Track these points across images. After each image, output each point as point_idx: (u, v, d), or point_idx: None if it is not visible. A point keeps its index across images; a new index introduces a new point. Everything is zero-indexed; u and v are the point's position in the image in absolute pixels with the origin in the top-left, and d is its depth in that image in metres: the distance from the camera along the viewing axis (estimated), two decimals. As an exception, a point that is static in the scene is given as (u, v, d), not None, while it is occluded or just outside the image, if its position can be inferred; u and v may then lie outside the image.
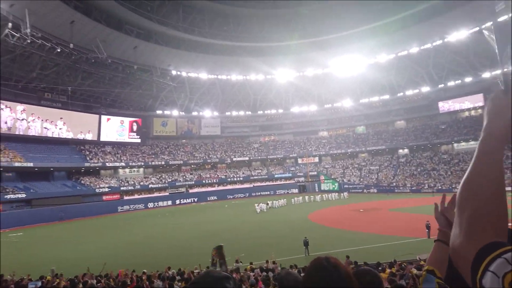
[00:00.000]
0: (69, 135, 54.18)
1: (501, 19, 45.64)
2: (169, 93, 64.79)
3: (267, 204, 41.97)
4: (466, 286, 0.84)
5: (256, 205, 42.19)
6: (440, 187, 50.11)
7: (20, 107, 47.44)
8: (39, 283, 10.40)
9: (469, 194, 0.91)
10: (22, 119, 47.77)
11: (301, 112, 76.56)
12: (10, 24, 35.77)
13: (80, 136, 55.86)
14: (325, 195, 51.82)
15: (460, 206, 0.92)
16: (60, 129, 52.58)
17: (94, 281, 11.42)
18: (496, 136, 0.94)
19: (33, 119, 49.13)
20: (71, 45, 42.58)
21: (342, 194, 52.85)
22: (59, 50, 41.73)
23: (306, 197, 49.94)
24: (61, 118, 52.24)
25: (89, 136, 56.98)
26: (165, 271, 14.15)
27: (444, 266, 1.70)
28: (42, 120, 50.24)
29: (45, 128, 50.83)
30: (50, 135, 51.81)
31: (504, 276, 0.71)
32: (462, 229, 0.89)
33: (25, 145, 48.77)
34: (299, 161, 71.32)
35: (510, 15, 44.26)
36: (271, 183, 66.52)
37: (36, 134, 49.96)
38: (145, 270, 13.99)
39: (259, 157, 72.43)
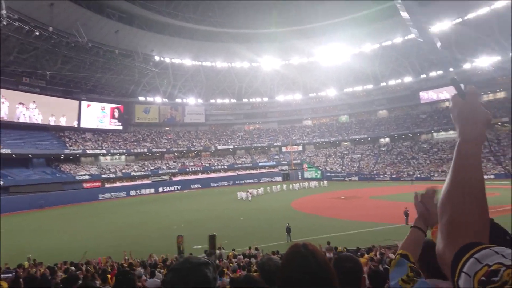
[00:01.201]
0: (49, 121, 52.62)
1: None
2: (151, 79, 63.64)
3: (248, 192, 41.95)
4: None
5: (238, 193, 42.59)
6: (418, 175, 51.43)
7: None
8: (13, 273, 10.22)
9: (448, 200, 0.91)
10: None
11: (286, 101, 76.66)
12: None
13: (59, 121, 54.37)
14: (304, 183, 52.35)
15: (440, 212, 0.93)
16: (33, 112, 50.59)
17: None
18: (471, 140, 0.96)
19: (17, 107, 47.50)
20: (51, 29, 41.10)
21: (321, 182, 53.47)
22: (37, 34, 40.23)
23: (284, 186, 50.34)
24: (33, 101, 50.23)
25: (63, 121, 55.07)
26: (148, 258, 14.13)
27: (417, 251, 1.78)
28: (21, 105, 48.62)
29: (21, 113, 49.19)
30: (27, 121, 50.22)
31: (475, 275, 0.72)
32: (443, 234, 0.90)
33: (3, 131, 47.17)
34: (283, 149, 71.73)
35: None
36: (255, 171, 66.77)
37: (14, 120, 48.38)
38: (126, 257, 13.95)
39: (243, 145, 72.43)
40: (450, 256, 0.82)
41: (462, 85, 1.07)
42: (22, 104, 49.04)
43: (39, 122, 51.79)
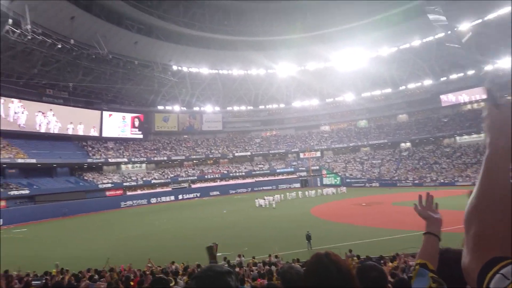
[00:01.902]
0: (71, 130, 54.00)
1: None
2: (170, 88, 64.71)
3: (264, 198, 41.77)
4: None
5: (256, 200, 42.45)
6: (442, 181, 50.09)
7: (20, 103, 47.42)
8: (43, 280, 10.49)
9: (475, 213, 0.90)
10: (20, 112, 47.76)
11: (302, 107, 76.38)
12: (10, 21, 35.69)
13: (82, 131, 55.83)
14: (319, 190, 51.57)
15: (466, 225, 0.91)
16: (53, 121, 52.02)
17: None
18: (502, 152, 0.92)
19: (36, 115, 49.18)
20: (72, 41, 42.51)
21: (339, 188, 52.68)
22: (60, 46, 41.65)
23: (300, 193, 49.63)
24: (50, 110, 51.27)
25: (86, 131, 56.44)
26: (168, 266, 14.24)
27: (435, 257, 1.74)
28: (42, 114, 50.21)
29: (42, 122, 50.63)
30: (51, 131, 51.76)
31: None
32: (469, 247, 0.89)
33: (27, 141, 48.88)
34: (301, 155, 71.28)
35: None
36: (273, 178, 66.59)
37: (41, 131, 50.01)
38: (149, 264, 14.09)
39: (261, 152, 72.44)
40: (476, 270, 0.82)
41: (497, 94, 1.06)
42: (43, 113, 50.34)
43: (62, 132, 53.29)
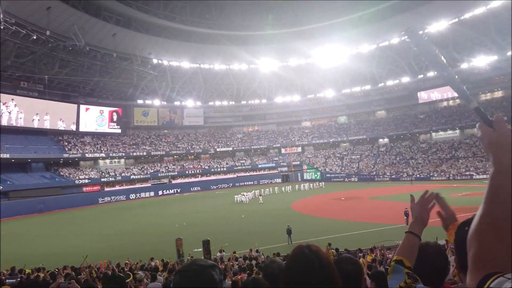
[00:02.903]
0: (48, 125, 52.46)
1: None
2: (150, 82, 63.62)
3: (243, 195, 41.48)
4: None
5: (235, 196, 42.18)
6: (418, 175, 51.49)
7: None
8: (18, 278, 10.20)
9: (477, 233, 0.89)
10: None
11: (284, 103, 76.73)
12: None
13: (58, 125, 54.23)
14: (297, 185, 51.92)
15: (469, 243, 0.90)
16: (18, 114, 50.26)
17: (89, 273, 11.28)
18: (507, 170, 0.90)
19: (7, 109, 47.42)
20: (48, 32, 41.09)
21: (317, 183, 53.27)
22: (35, 38, 40.23)
23: (276, 188, 49.51)
24: (37, 114, 50.25)
25: (62, 125, 54.76)
26: (148, 262, 14.09)
27: (413, 256, 1.79)
28: (18, 111, 48.52)
29: (20, 118, 49.08)
30: (26, 125, 50.07)
31: None
32: (469, 266, 0.88)
33: (1, 135, 47.10)
34: (283, 151, 71.72)
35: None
36: (254, 173, 66.76)
37: (10, 124, 48.25)
38: (127, 261, 13.91)
39: (242, 147, 72.42)
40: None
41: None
42: (4, 103, 47.97)
43: (36, 126, 51.56)
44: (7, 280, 8.87)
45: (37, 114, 50.80)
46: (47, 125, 52.58)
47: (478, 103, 1.16)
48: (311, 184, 52.59)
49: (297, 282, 1.21)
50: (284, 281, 1.26)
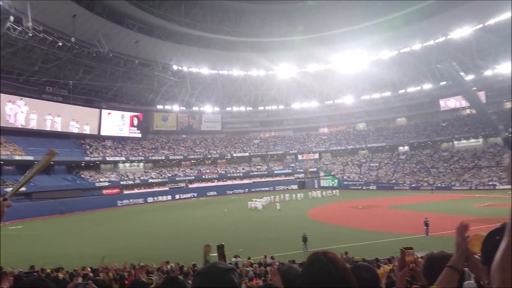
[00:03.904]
0: (71, 129, 53.96)
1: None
2: (170, 88, 64.70)
3: (254, 200, 40.98)
4: None
5: (248, 203, 41.56)
6: (439, 185, 50.20)
7: (21, 101, 47.33)
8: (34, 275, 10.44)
9: (501, 265, 0.87)
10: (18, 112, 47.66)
11: (302, 108, 76.50)
12: (11, 18, 35.66)
13: (81, 129, 55.71)
14: (310, 192, 51.22)
15: (492, 276, 0.89)
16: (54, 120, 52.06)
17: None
18: None
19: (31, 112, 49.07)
20: (73, 39, 42.48)
21: (329, 191, 52.43)
22: (60, 44, 41.64)
23: (287, 195, 48.46)
24: (58, 115, 51.88)
25: (85, 129, 56.25)
26: (162, 265, 14.20)
27: None
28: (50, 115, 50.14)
29: (45, 120, 50.69)
30: (50, 129, 51.64)
31: None
32: None
33: (26, 138, 48.76)
34: (299, 157, 71.34)
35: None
36: (271, 179, 66.60)
37: (37, 128, 49.89)
38: (142, 264, 14.04)
39: (259, 153, 72.46)
40: None
41: None
42: (59, 116, 50.71)
43: (61, 129, 53.16)
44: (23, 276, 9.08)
45: (57, 116, 52.32)
46: (70, 129, 54.09)
47: (502, 111, 1.13)
48: (324, 192, 51.75)
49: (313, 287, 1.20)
50: (301, 286, 1.25)
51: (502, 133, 1.16)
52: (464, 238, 1.76)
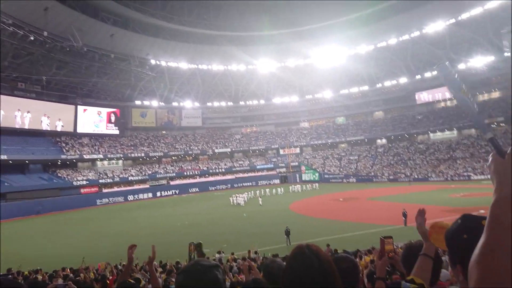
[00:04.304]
0: (44, 126, 52.18)
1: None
2: (148, 83, 63.56)
3: (235, 196, 40.78)
4: None
5: (230, 198, 41.47)
6: (416, 176, 51.60)
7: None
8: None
9: (479, 260, 0.88)
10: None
11: (282, 103, 76.80)
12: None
13: (55, 126, 54.01)
14: (291, 187, 51.77)
15: (470, 270, 0.90)
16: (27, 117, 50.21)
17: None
18: (508, 197, 0.90)
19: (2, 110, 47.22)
20: (45, 33, 41.04)
21: (309, 185, 53.10)
22: (32, 38, 40.19)
23: (267, 190, 48.55)
24: (28, 111, 50.01)
25: (60, 126, 54.33)
26: (144, 263, 14.04)
27: (428, 278, 1.94)
28: (19, 111, 48.29)
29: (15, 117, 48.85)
30: (23, 126, 49.84)
31: None
32: None
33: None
34: (281, 152, 71.72)
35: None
36: (253, 174, 66.73)
37: (8, 126, 48.07)
38: (124, 263, 13.85)
39: (241, 148, 72.40)
40: None
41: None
42: (19, 110, 48.63)
43: (35, 127, 51.38)
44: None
45: (27, 112, 50.57)
46: (44, 126, 52.40)
47: (476, 103, 1.18)
48: (304, 186, 52.26)
49: (297, 281, 1.22)
50: (284, 281, 1.27)
51: (489, 134, 1.22)
52: (421, 223, 2.06)
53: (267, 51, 64.25)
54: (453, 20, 51.43)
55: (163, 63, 60.75)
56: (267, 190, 48.91)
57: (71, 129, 56.15)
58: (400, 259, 2.26)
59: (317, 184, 53.66)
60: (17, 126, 49.01)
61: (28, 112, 49.58)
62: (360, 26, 57.56)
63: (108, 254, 19.04)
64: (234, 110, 77.50)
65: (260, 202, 38.54)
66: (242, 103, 76.93)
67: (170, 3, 55.57)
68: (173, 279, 7.28)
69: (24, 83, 49.84)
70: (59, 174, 52.01)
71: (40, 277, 11.38)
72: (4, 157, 44.50)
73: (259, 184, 62.01)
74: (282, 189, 50.36)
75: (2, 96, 46.39)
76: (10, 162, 45.72)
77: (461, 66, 56.30)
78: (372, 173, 58.11)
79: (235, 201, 40.39)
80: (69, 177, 52.25)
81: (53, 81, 52.10)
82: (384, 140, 66.07)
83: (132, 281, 3.46)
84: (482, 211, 17.87)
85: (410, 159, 57.63)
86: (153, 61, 58.77)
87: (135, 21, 52.84)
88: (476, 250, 0.89)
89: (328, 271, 1.23)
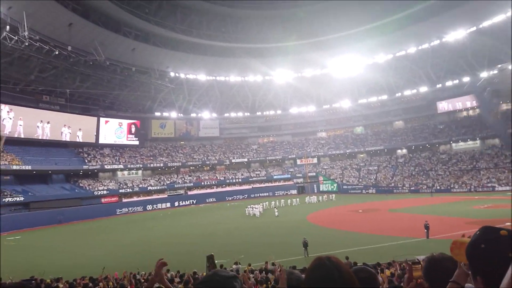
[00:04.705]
0: (63, 136, 53.34)
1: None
2: (167, 95, 64.74)
3: (250, 207, 40.50)
4: None
5: (246, 209, 41.22)
6: (438, 187, 50.24)
7: (16, 109, 47.11)
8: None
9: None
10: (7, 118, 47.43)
11: (299, 113, 76.64)
12: (7, 27, 35.72)
13: (78, 137, 55.45)
14: (307, 197, 51.15)
15: None
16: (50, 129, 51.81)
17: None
18: None
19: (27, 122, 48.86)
20: (69, 48, 42.51)
21: (325, 196, 52.16)
22: (57, 53, 41.65)
23: (282, 201, 47.96)
24: (65, 125, 51.95)
25: (82, 137, 55.76)
26: (164, 273, 14.07)
27: None
28: (41, 123, 49.90)
29: (41, 129, 50.38)
30: (48, 138, 51.37)
31: None
32: None
33: (23, 148, 48.62)
34: (298, 162, 71.33)
35: None
36: (270, 184, 66.50)
37: (35, 137, 49.69)
38: (143, 272, 13.95)
39: (257, 158, 72.42)
40: None
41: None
42: (41, 121, 50.17)
43: (57, 138, 52.88)
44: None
45: (65, 126, 52.18)
46: (64, 136, 53.87)
47: (498, 112, 1.13)
48: (320, 197, 51.57)
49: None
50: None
51: None
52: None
53: (284, 62, 64.52)
54: (474, 28, 50.45)
55: (182, 76, 61.86)
56: (282, 201, 48.64)
57: (92, 140, 57.58)
58: (422, 272, 2.17)
59: (333, 195, 52.88)
60: (38, 137, 49.96)
61: (48, 122, 50.75)
62: (379, 35, 57.14)
63: (127, 263, 19.22)
64: (251, 120, 77.84)
65: (276, 213, 37.91)
66: (259, 113, 77.22)
67: (190, 17, 56.80)
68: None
69: (48, 96, 51.63)
70: (80, 184, 53.23)
71: (61, 286, 11.57)
72: (28, 167, 45.97)
73: (276, 194, 61.76)
74: (298, 199, 49.90)
75: (26, 108, 48.13)
76: (34, 172, 47.14)
77: (483, 74, 54.99)
78: (393, 184, 56.91)
79: (250, 212, 40.04)
80: (90, 187, 53.39)
81: (76, 94, 53.78)
82: (404, 150, 64.78)
83: None
84: (508, 224, 17.16)
85: (432, 169, 56.22)
86: (172, 74, 59.94)
87: (155, 35, 54.21)
88: (506, 280, 0.88)
89: (348, 284, 1.20)
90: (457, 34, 52.31)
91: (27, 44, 37.61)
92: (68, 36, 42.93)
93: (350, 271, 1.25)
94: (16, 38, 36.55)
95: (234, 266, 15.59)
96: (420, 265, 2.07)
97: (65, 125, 52.88)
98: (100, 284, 11.64)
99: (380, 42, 57.96)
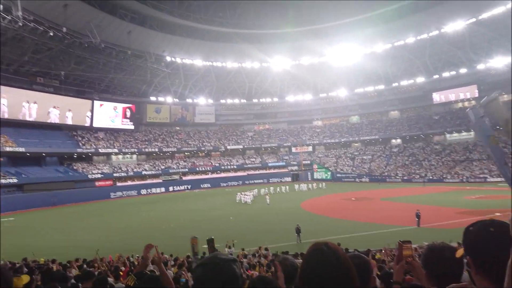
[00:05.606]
0: (51, 117, 52.38)
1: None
2: (163, 79, 64.15)
3: (245, 194, 40.19)
4: None
5: (237, 195, 40.98)
6: (431, 177, 50.78)
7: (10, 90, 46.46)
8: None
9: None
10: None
11: (296, 101, 76.47)
12: (0, 7, 34.88)
13: (72, 120, 54.97)
14: (297, 185, 51.40)
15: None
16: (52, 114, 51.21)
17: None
18: None
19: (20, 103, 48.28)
20: (64, 29, 41.72)
21: (314, 184, 52.40)
22: (51, 34, 40.87)
23: (272, 188, 47.84)
24: (54, 107, 51.21)
25: (76, 120, 55.19)
26: (162, 256, 14.20)
27: None
28: (28, 103, 49.00)
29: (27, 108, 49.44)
30: (40, 120, 50.91)
31: None
32: None
33: (17, 129, 48.13)
34: (293, 150, 71.55)
35: None
36: (264, 171, 66.77)
37: (28, 119, 49.17)
38: (137, 255, 14.07)
39: (253, 146, 72.49)
40: None
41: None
42: (35, 103, 49.39)
43: (53, 121, 52.43)
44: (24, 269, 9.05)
45: (55, 107, 51.62)
46: (61, 120, 53.42)
47: (504, 154, 1.15)
48: (310, 185, 51.68)
49: (315, 279, 1.22)
50: (301, 277, 1.27)
51: (507, 176, 1.19)
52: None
53: (282, 49, 63.99)
54: (473, 20, 50.22)
55: (179, 60, 61.16)
56: (272, 188, 48.38)
57: (86, 123, 57.10)
58: (421, 259, 2.21)
59: (324, 183, 53.22)
60: (22, 118, 48.54)
61: (35, 102, 49.46)
62: (377, 24, 56.71)
63: (121, 246, 19.36)
64: (247, 108, 77.56)
65: (268, 201, 37.33)
66: (255, 100, 76.92)
67: (187, 1, 55.80)
68: (184, 273, 7.37)
69: (43, 77, 50.89)
70: (74, 167, 53.06)
71: (54, 267, 11.64)
72: (21, 149, 45.64)
73: (271, 181, 62.07)
74: (287, 187, 50.13)
75: (21, 90, 47.47)
76: (28, 154, 46.84)
77: (481, 66, 55.02)
78: (386, 173, 57.42)
79: (242, 199, 39.65)
80: (84, 170, 53.25)
81: (71, 76, 53.05)
82: (399, 140, 65.16)
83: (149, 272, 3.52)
84: (498, 214, 17.48)
85: (425, 159, 56.72)
86: (168, 58, 59.22)
87: (152, 19, 53.30)
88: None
89: (346, 269, 1.23)
90: (456, 25, 52.09)
91: (21, 24, 36.81)
92: (64, 17, 42.07)
93: (347, 257, 1.29)
94: (10, 17, 35.75)
95: (226, 250, 15.80)
96: (410, 244, 2.11)
97: (54, 106, 52.03)
98: (95, 265, 11.74)
99: (378, 31, 57.58)
